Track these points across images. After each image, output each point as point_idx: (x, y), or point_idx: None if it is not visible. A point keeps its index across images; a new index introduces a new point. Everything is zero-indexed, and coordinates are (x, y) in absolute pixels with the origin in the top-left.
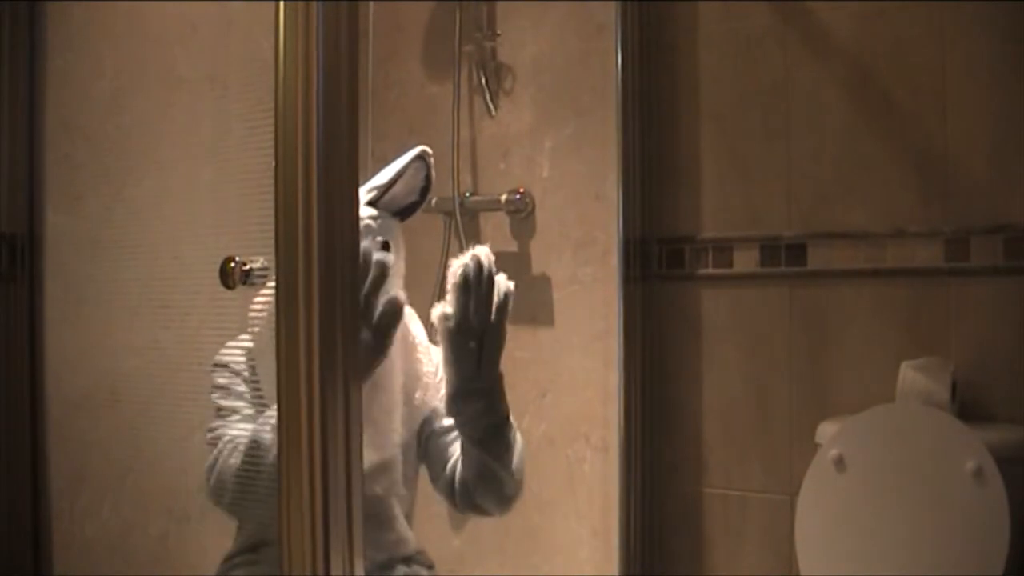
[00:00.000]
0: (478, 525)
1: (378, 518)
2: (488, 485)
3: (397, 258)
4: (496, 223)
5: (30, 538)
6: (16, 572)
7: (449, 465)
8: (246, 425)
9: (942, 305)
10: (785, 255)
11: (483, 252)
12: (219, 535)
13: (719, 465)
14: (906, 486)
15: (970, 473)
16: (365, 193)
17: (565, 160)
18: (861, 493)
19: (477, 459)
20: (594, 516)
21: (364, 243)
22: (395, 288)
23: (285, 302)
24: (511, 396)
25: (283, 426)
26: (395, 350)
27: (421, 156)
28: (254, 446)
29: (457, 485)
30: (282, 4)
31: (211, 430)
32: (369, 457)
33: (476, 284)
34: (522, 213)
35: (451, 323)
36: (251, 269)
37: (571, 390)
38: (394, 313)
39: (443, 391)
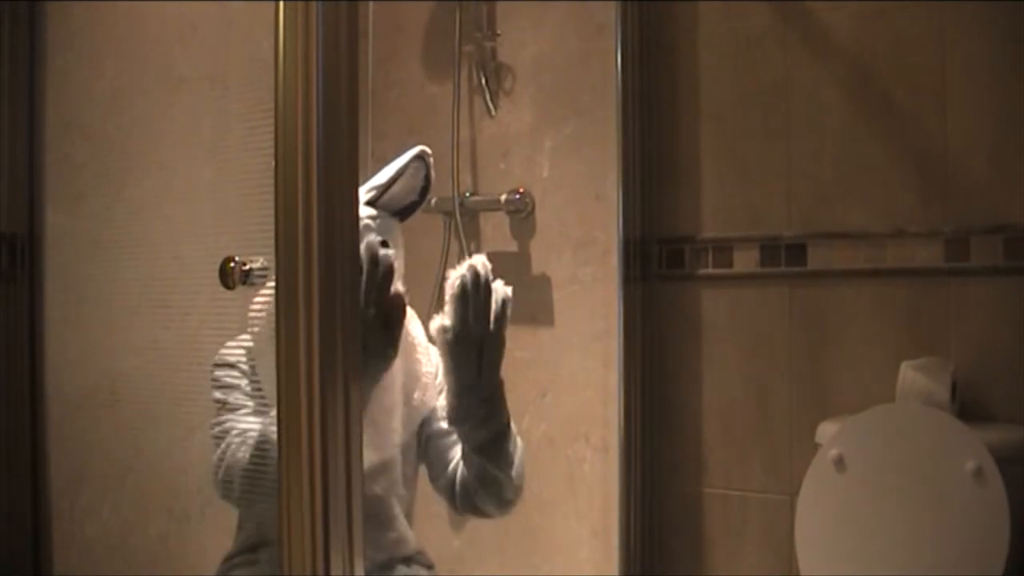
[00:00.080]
0: (478, 525)
1: (378, 518)
2: (489, 489)
3: (396, 257)
4: (496, 223)
5: (30, 538)
6: (16, 572)
7: (450, 468)
8: (253, 419)
9: (942, 305)
10: (785, 255)
11: (479, 261)
12: (219, 535)
13: (719, 465)
14: (906, 486)
15: (970, 473)
16: (364, 193)
17: (565, 160)
18: (861, 493)
19: (478, 465)
20: (594, 516)
21: (370, 237)
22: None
23: (285, 302)
24: (511, 396)
25: (283, 426)
26: None
27: (420, 156)
28: (263, 442)
29: (458, 488)
30: (282, 4)
31: (217, 424)
32: (369, 457)
33: (474, 294)
34: (522, 213)
35: (450, 335)
36: (251, 269)
37: (571, 390)
38: (401, 308)
39: (443, 393)
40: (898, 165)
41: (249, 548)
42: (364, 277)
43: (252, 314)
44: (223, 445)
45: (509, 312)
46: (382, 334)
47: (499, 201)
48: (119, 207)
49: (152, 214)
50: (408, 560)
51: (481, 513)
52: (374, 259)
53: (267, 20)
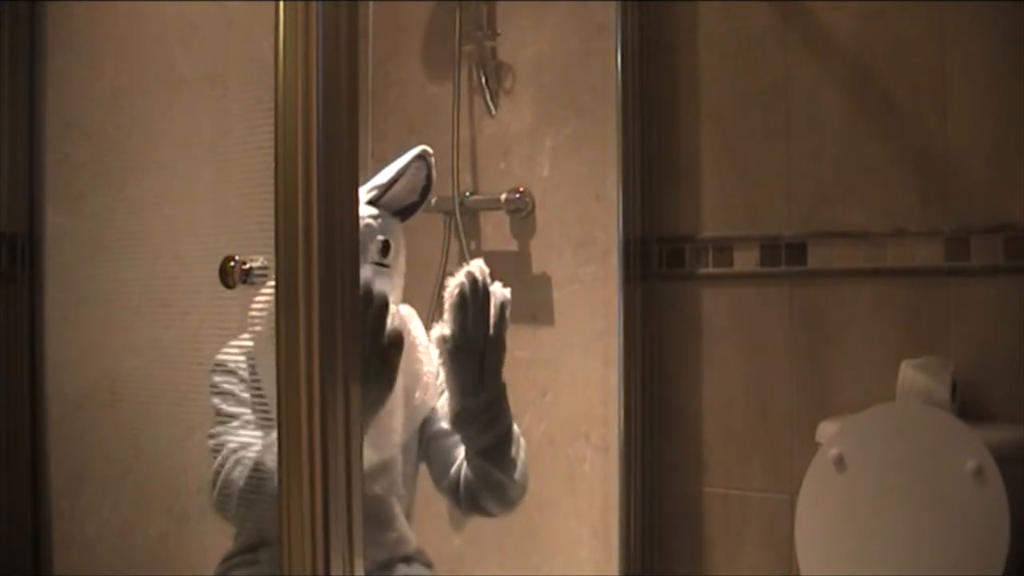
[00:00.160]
0: (478, 525)
1: (378, 518)
2: (493, 490)
3: (398, 257)
4: (496, 222)
5: (30, 538)
6: (16, 572)
7: (453, 469)
8: (248, 432)
9: (942, 304)
10: (785, 254)
11: (476, 267)
12: (219, 535)
13: (719, 465)
14: (906, 485)
15: (970, 472)
16: (366, 192)
17: (565, 159)
18: (861, 492)
19: (482, 468)
20: (594, 516)
21: (364, 273)
22: (397, 289)
23: (285, 301)
24: (511, 396)
25: (283, 426)
26: None
27: (422, 156)
28: (259, 467)
29: (462, 490)
30: (282, 4)
31: (212, 436)
32: (369, 457)
33: (472, 301)
34: (522, 212)
35: (450, 344)
36: (251, 268)
37: (571, 389)
38: (399, 345)
39: (444, 393)
40: (898, 165)
41: (249, 548)
42: (360, 315)
43: (253, 314)
44: (218, 460)
45: (508, 315)
46: (381, 370)
47: (499, 200)
48: (119, 207)
49: (152, 214)
50: (408, 559)
51: (486, 513)
52: (368, 297)
53: (267, 20)
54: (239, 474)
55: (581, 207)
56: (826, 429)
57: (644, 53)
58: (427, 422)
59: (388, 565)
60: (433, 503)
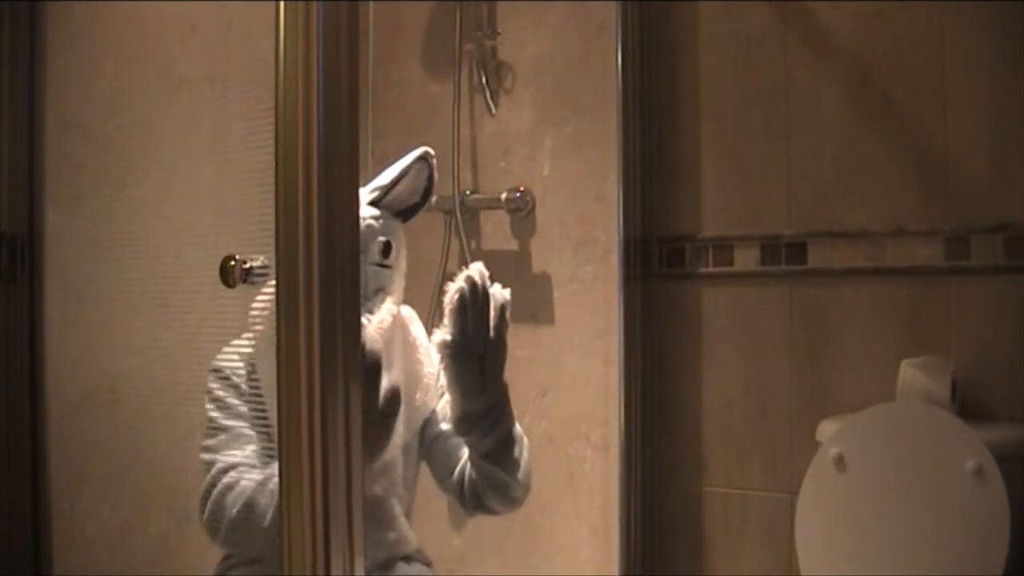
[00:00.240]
0: (478, 525)
1: (378, 518)
2: (497, 491)
3: (399, 257)
4: (496, 221)
5: (30, 538)
6: (16, 572)
7: (456, 469)
8: (238, 447)
9: (942, 304)
10: (785, 254)
11: (476, 271)
12: None
13: (719, 464)
14: (906, 485)
15: (970, 472)
16: (368, 193)
17: (565, 159)
18: (861, 492)
19: (486, 469)
20: (594, 516)
21: (364, 333)
22: (398, 290)
23: (285, 301)
24: (512, 395)
25: (283, 425)
26: (395, 351)
27: (424, 157)
28: (251, 506)
29: (466, 490)
30: (282, 4)
31: (204, 448)
32: None
33: (472, 304)
34: (522, 211)
35: (451, 349)
36: (251, 268)
37: (571, 389)
38: (395, 402)
39: (444, 394)
40: (898, 165)
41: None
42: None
43: (254, 313)
44: (208, 479)
45: (508, 317)
46: (379, 425)
47: (499, 199)
48: (119, 207)
49: (152, 214)
50: (408, 559)
51: (490, 512)
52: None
53: (267, 20)
54: (231, 501)
55: (581, 206)
56: (826, 429)
57: (644, 53)
58: (428, 423)
59: (388, 565)
60: (433, 503)
